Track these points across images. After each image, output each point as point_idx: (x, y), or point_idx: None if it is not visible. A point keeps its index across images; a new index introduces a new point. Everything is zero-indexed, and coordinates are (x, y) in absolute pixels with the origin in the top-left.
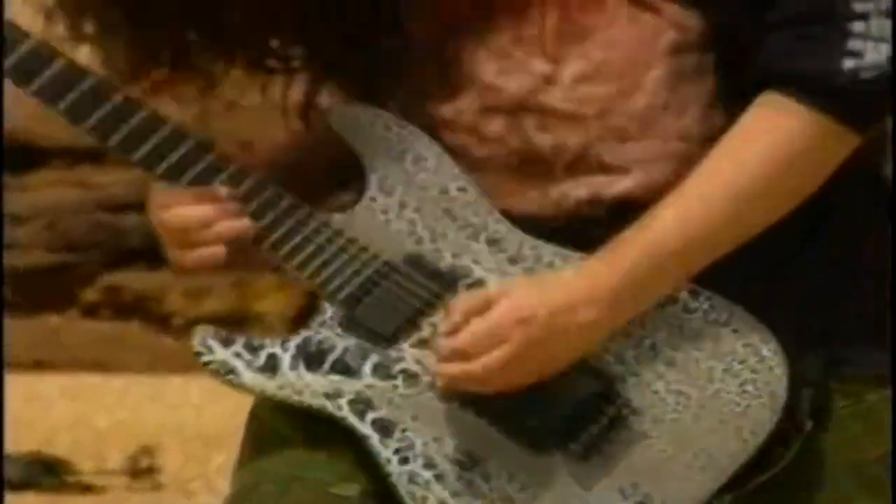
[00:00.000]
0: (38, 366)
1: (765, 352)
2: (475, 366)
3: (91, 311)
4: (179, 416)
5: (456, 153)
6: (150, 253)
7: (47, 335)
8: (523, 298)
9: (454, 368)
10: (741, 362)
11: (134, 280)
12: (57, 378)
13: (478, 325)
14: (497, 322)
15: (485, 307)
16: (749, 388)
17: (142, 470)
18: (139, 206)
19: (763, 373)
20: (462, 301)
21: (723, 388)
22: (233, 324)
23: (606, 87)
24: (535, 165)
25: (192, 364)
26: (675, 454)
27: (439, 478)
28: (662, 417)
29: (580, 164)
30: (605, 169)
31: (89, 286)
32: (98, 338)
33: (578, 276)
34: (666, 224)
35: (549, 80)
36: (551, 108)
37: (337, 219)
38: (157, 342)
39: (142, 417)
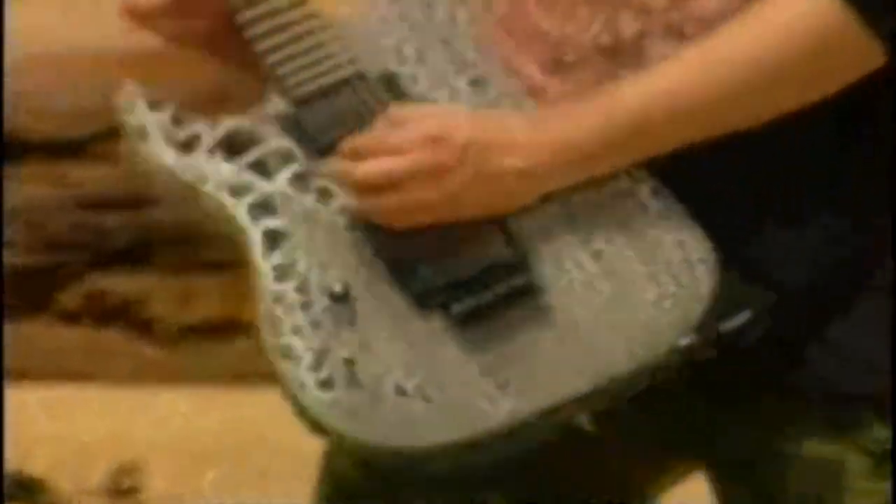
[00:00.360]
0: (13, 375)
1: (698, 271)
2: (359, 168)
3: (71, 317)
4: (167, 429)
5: (549, 68)
6: (134, 255)
7: (23, 343)
8: (447, 119)
9: (338, 164)
10: (671, 275)
11: (117, 284)
12: (33, 389)
13: (383, 130)
14: (406, 133)
15: (406, 119)
16: (667, 303)
17: (125, 489)
18: (123, 203)
19: (687, 288)
20: (389, 110)
21: (639, 293)
22: (223, 331)
23: None
24: (613, 59)
25: (180, 374)
26: (557, 348)
27: (306, 305)
28: (562, 307)
29: (626, 56)
30: (642, 65)
31: (69, 290)
32: (78, 346)
33: (522, 120)
34: (636, 90)
35: None
36: None
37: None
38: (143, 350)
39: (126, 431)
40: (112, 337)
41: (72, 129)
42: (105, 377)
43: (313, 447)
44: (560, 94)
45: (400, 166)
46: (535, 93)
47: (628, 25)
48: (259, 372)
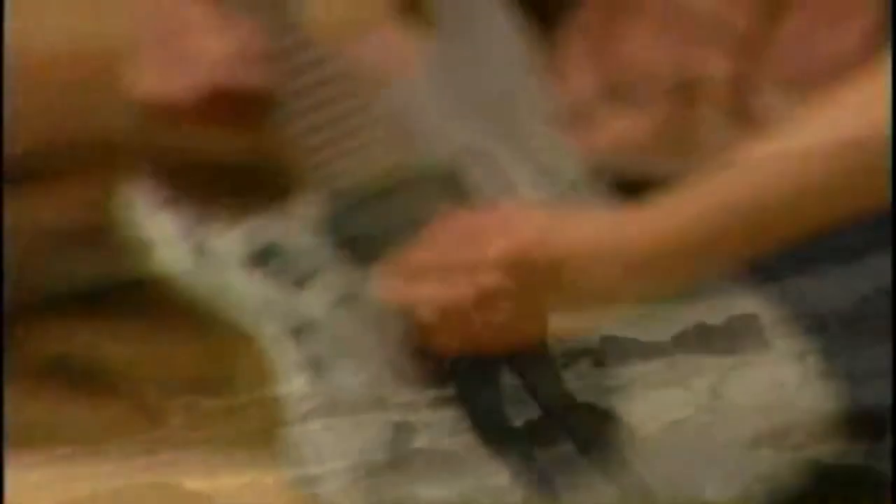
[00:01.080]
0: None
1: (809, 403)
2: (422, 293)
3: (28, 376)
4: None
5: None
6: (103, 300)
7: None
8: (524, 232)
9: (391, 284)
10: (771, 417)
11: (82, 335)
12: None
13: (447, 243)
14: (476, 252)
15: (474, 230)
16: (767, 448)
17: None
18: (89, 239)
19: (799, 425)
20: (453, 215)
21: (741, 429)
22: (204, 389)
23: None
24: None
25: (161, 441)
26: None
27: (330, 425)
28: (645, 459)
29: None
30: (741, 114)
31: (25, 342)
32: (38, 413)
33: (606, 215)
34: (749, 170)
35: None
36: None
37: (387, 97)
38: (112, 414)
39: None
40: (75, 400)
41: (39, 145)
42: (67, 445)
43: None
44: (608, 123)
45: (470, 293)
46: (579, 116)
47: (715, 65)
48: (248, 435)
